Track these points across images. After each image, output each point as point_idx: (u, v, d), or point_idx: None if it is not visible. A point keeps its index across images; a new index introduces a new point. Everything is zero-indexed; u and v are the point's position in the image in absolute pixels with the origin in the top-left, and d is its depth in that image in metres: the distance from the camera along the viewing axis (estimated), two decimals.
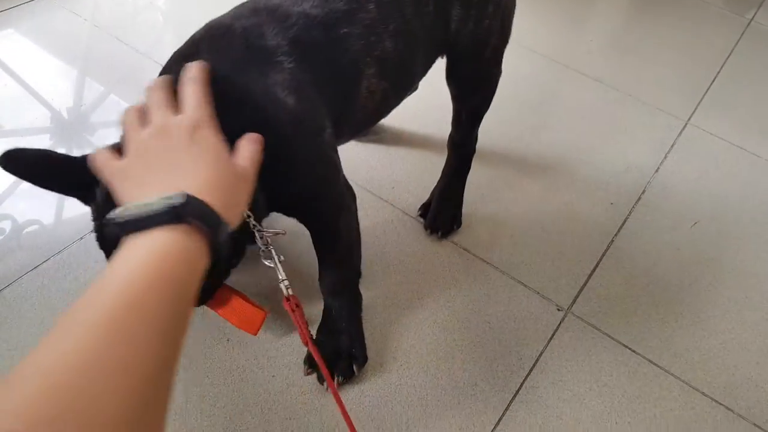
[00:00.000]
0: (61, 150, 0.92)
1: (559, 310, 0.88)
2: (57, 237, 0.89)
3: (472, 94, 0.89)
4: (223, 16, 0.66)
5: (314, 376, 0.76)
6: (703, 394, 0.81)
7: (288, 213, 0.69)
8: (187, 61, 0.54)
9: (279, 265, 0.60)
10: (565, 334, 0.85)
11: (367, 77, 0.70)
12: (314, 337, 0.79)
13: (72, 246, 0.88)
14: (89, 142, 1.05)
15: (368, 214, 0.98)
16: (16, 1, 1.31)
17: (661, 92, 1.32)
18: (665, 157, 1.16)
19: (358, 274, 0.83)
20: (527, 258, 0.94)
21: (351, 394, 0.76)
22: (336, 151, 0.71)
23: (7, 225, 0.90)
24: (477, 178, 1.02)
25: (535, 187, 1.06)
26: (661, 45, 1.50)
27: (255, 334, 0.69)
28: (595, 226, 1.01)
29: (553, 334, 0.85)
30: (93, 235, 0.56)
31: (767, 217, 1.07)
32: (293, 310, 0.61)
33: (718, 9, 1.69)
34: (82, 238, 0.89)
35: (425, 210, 0.98)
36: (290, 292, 0.62)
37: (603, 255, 0.96)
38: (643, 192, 1.08)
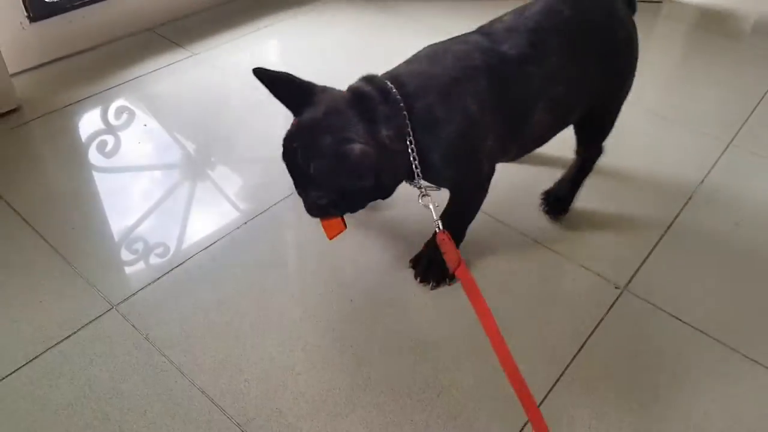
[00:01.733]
0: (184, 183, 1.21)
1: (616, 287, 1.07)
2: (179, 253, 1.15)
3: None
4: (442, 42, 0.97)
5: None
6: (743, 355, 0.97)
7: (441, 185, 1.00)
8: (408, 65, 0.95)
9: (433, 209, 0.94)
10: (621, 307, 1.04)
11: (538, 108, 0.96)
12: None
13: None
14: (210, 177, 1.30)
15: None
16: (178, 57, 1.65)
17: (704, 120, 1.51)
18: (709, 172, 1.34)
19: (463, 229, 1.08)
20: (591, 245, 1.14)
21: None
22: (489, 159, 0.98)
23: (140, 246, 1.12)
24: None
25: (593, 198, 1.25)
26: (705, 81, 1.69)
27: (329, 239, 0.97)
28: (649, 225, 1.20)
29: (612, 306, 1.03)
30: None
31: None
32: (444, 240, 0.91)
33: (761, 49, 1.86)
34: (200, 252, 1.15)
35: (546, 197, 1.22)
36: (440, 227, 0.93)
37: (654, 246, 1.15)
38: (689, 199, 1.26)
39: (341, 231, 0.97)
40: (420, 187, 0.95)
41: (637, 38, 1.06)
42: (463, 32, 0.99)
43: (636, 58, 1.08)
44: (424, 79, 0.91)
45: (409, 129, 0.88)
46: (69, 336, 0.96)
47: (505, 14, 1.01)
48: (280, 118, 1.26)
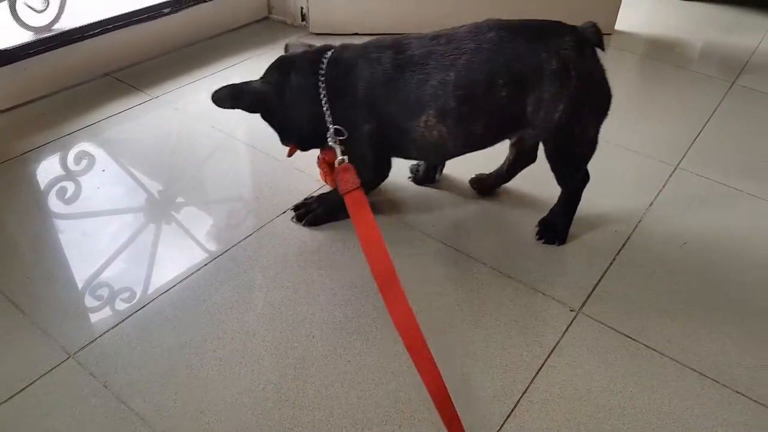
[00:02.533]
0: (151, 225, 1.22)
1: (571, 310, 1.09)
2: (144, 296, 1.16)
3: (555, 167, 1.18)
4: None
5: None
6: (693, 370, 1.00)
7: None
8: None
9: (338, 150, 1.11)
10: (577, 329, 1.06)
11: (426, 114, 1.06)
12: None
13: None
14: (175, 218, 1.31)
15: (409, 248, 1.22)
16: (137, 100, 1.66)
17: (653, 144, 1.57)
18: (658, 195, 1.39)
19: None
20: (548, 271, 1.17)
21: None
22: (374, 148, 1.13)
23: (104, 292, 1.11)
24: (514, 219, 1.27)
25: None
26: (654, 107, 1.77)
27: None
28: (600, 249, 1.23)
29: (567, 328, 1.06)
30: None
31: (745, 233, 1.28)
32: (347, 167, 1.08)
33: (706, 75, 1.95)
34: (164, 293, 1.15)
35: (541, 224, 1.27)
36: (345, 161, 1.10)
37: (606, 270, 1.18)
38: (639, 221, 1.31)
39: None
40: (330, 133, 1.12)
41: (588, 76, 1.04)
42: None
43: (587, 98, 1.06)
44: (349, 54, 1.12)
45: (322, 88, 1.11)
46: (24, 388, 0.94)
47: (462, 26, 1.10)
48: (243, 157, 1.29)
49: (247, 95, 1.15)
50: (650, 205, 1.36)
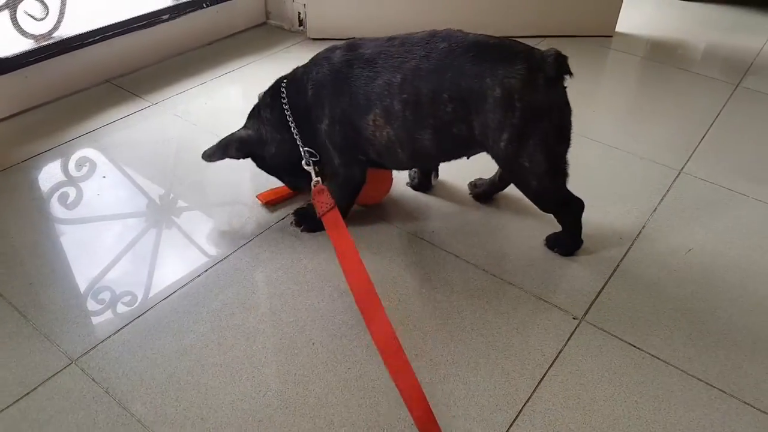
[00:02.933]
0: (152, 230, 1.21)
1: (574, 318, 1.08)
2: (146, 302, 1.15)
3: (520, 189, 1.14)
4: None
5: None
6: (698, 379, 0.99)
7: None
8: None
9: (312, 171, 1.16)
10: (580, 337, 1.05)
11: (374, 112, 1.06)
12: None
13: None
14: (176, 222, 1.31)
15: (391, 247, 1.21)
16: (138, 107, 1.66)
17: (656, 148, 1.55)
18: (662, 200, 1.38)
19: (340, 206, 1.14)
20: (550, 278, 1.15)
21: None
22: (335, 147, 1.13)
23: (106, 297, 1.11)
24: (514, 225, 1.26)
25: (552, 229, 1.28)
26: (656, 110, 1.75)
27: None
28: (604, 256, 1.22)
29: (570, 336, 1.05)
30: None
31: (751, 239, 1.27)
32: (321, 190, 1.12)
33: (709, 77, 1.94)
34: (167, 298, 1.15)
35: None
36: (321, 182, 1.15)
37: (610, 277, 1.17)
38: (643, 227, 1.29)
39: (268, 199, 1.32)
40: (304, 156, 1.16)
41: (535, 108, 0.99)
42: None
43: (534, 130, 1.01)
44: (302, 66, 1.16)
45: (287, 109, 1.14)
46: (27, 393, 0.94)
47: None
48: (244, 162, 1.28)
49: (231, 143, 1.20)
50: (654, 210, 1.35)
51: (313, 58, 1.15)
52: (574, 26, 2.13)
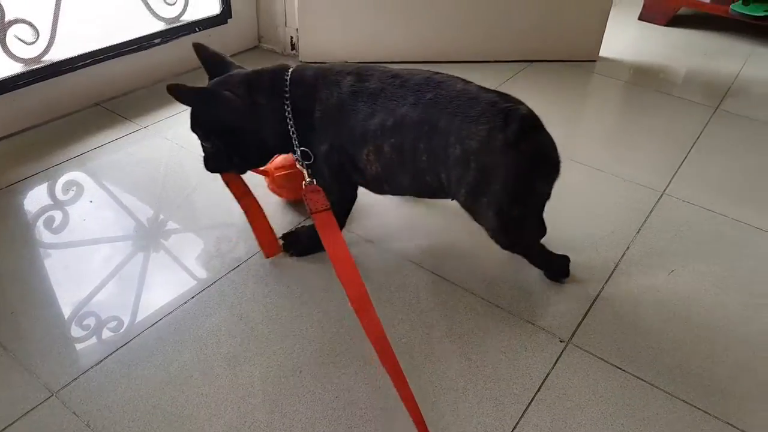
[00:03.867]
0: (139, 254, 1.21)
1: (561, 341, 1.09)
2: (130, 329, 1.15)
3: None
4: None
5: None
6: (683, 401, 1.00)
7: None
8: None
9: (306, 172, 1.17)
10: (567, 360, 1.06)
11: (368, 148, 1.10)
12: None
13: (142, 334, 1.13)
14: (164, 246, 1.31)
15: (378, 267, 1.22)
16: (127, 130, 1.67)
17: (639, 170, 1.58)
18: (645, 221, 1.40)
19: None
20: (537, 300, 1.17)
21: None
22: (331, 169, 1.15)
23: (90, 324, 1.11)
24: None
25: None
26: (639, 133, 1.79)
27: (266, 258, 1.25)
28: (589, 278, 1.23)
29: (557, 360, 1.06)
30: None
31: (732, 259, 1.29)
32: (314, 188, 1.14)
33: (690, 101, 1.98)
34: (154, 324, 1.15)
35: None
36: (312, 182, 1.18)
37: (595, 298, 1.19)
38: (627, 249, 1.31)
39: (276, 252, 1.25)
40: (297, 155, 1.17)
41: (488, 168, 1.01)
42: None
43: (486, 189, 1.02)
44: (311, 75, 1.14)
45: (288, 110, 1.12)
46: (5, 428, 0.92)
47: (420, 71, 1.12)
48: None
49: (216, 96, 1.12)
50: (637, 231, 1.37)
51: (324, 75, 1.13)
52: (558, 51, 2.17)
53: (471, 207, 1.09)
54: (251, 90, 1.13)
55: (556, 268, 1.22)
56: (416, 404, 0.88)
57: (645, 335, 1.11)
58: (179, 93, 1.09)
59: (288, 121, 1.14)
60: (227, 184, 1.24)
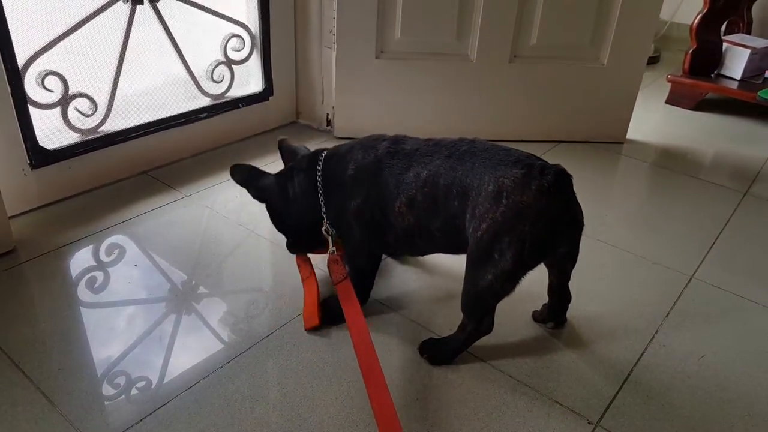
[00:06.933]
0: (171, 316, 1.26)
1: (589, 423, 1.09)
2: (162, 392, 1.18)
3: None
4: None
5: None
6: None
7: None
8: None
9: (330, 240, 1.28)
10: None
11: (400, 200, 1.17)
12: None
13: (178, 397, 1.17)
14: (195, 309, 1.36)
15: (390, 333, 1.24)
16: (171, 198, 1.75)
17: (667, 253, 1.60)
18: (674, 305, 1.41)
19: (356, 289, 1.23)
20: (565, 380, 1.17)
21: None
22: (360, 219, 1.22)
23: (121, 380, 1.15)
24: (530, 325, 1.29)
25: (564, 332, 1.30)
26: (666, 215, 1.81)
27: (306, 329, 1.29)
28: (617, 360, 1.24)
29: None
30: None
31: (763, 346, 1.28)
32: (335, 258, 1.26)
33: (718, 185, 2.01)
34: (190, 388, 1.18)
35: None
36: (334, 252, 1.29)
37: (624, 381, 1.18)
38: (656, 332, 1.32)
39: (314, 324, 1.27)
40: (325, 224, 1.27)
41: (520, 208, 1.02)
42: None
43: (512, 228, 1.03)
44: (347, 145, 1.27)
45: (319, 180, 1.25)
46: None
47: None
48: (265, 252, 1.35)
49: (256, 180, 1.35)
50: (666, 315, 1.37)
51: (361, 142, 1.26)
52: (586, 133, 2.24)
53: (487, 245, 1.05)
54: (290, 174, 1.32)
55: (456, 350, 1.21)
56: None
57: (674, 420, 1.10)
58: (232, 175, 1.40)
59: (319, 191, 1.25)
60: (298, 266, 1.39)
